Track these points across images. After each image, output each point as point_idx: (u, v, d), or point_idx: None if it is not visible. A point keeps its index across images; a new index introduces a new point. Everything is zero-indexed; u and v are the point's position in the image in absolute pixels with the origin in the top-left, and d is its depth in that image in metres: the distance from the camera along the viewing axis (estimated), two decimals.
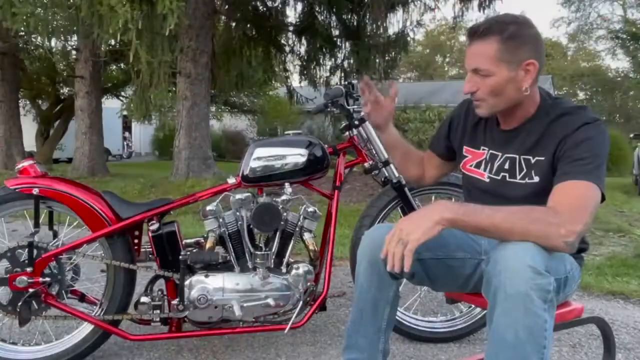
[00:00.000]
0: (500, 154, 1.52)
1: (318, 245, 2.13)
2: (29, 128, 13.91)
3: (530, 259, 1.17)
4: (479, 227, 1.25)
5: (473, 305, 2.24)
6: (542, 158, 1.42)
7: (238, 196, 2.02)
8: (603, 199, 1.34)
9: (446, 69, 40.37)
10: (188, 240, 2.11)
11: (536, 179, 1.43)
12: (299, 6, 9.43)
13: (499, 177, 1.52)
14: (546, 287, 1.17)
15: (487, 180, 1.54)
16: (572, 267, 1.41)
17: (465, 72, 1.47)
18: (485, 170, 1.56)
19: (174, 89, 8.67)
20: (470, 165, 1.61)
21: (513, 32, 1.37)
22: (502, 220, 1.23)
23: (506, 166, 1.50)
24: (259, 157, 2.03)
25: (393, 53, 8.94)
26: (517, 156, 1.48)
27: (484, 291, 1.26)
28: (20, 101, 12.65)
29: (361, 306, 1.53)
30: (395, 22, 8.82)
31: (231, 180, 2.10)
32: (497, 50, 1.37)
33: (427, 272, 1.54)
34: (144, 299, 1.99)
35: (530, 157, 1.45)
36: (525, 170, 1.46)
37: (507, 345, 1.19)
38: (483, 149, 1.58)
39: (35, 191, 1.93)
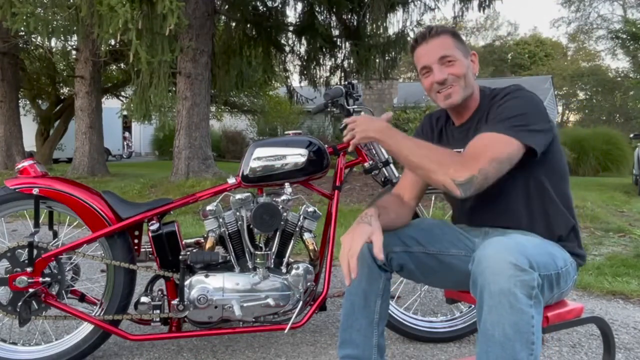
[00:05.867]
0: (462, 149, 1.59)
1: (318, 245, 2.13)
2: (29, 128, 13.91)
3: (511, 256, 1.19)
4: (391, 152, 1.47)
5: (473, 306, 2.24)
6: None
7: (238, 196, 2.03)
8: (534, 153, 1.42)
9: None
10: (188, 240, 2.11)
11: None
12: (299, 6, 9.43)
13: None
14: (530, 283, 1.19)
15: None
16: (565, 263, 1.43)
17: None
18: None
19: (174, 89, 8.66)
20: None
21: (455, 32, 1.59)
22: (409, 153, 1.43)
23: None
24: (259, 157, 2.03)
25: (393, 53, 8.93)
26: None
27: (472, 291, 1.28)
28: (20, 101, 12.64)
29: (352, 299, 1.56)
30: (395, 22, 8.86)
31: (231, 180, 2.10)
32: (453, 41, 1.56)
33: (417, 265, 1.57)
34: (144, 299, 1.99)
35: None
36: None
37: (496, 342, 1.20)
38: None
39: (35, 191, 1.93)
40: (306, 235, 2.08)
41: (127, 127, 22.99)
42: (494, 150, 1.38)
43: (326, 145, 2.13)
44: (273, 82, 12.72)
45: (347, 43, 9.23)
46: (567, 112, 37.40)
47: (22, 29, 6.56)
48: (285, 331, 1.98)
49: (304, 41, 9.38)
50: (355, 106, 2.23)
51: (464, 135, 1.61)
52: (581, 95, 36.32)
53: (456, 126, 1.67)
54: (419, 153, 1.42)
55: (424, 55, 1.57)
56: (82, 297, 2.12)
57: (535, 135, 1.42)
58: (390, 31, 8.82)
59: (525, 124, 1.41)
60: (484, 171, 1.34)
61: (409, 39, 8.89)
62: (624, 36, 17.10)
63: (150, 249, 2.04)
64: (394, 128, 1.48)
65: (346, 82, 2.27)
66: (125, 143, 22.89)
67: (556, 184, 1.55)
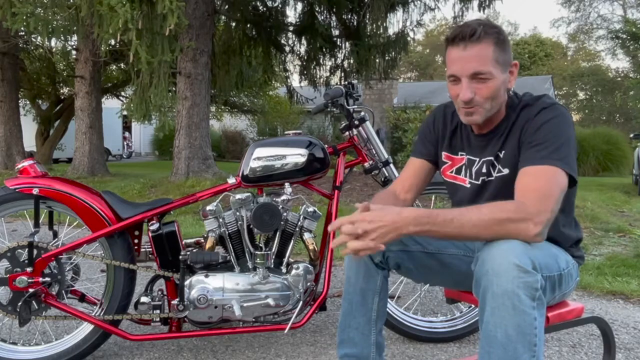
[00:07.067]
0: (477, 159, 1.54)
1: (318, 245, 2.13)
2: (29, 128, 13.91)
3: (515, 257, 1.18)
4: (448, 237, 1.27)
5: (473, 305, 2.24)
6: (509, 150, 1.45)
7: (238, 196, 2.03)
8: (574, 180, 1.35)
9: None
10: (188, 240, 2.11)
11: (505, 171, 1.46)
12: (299, 6, 9.45)
13: (479, 182, 1.53)
14: (533, 284, 1.18)
15: (469, 185, 1.56)
16: (568, 265, 1.42)
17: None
18: (466, 176, 1.57)
19: (174, 89, 8.66)
20: (451, 172, 1.62)
21: (501, 35, 1.38)
22: (471, 227, 1.24)
23: (483, 169, 1.52)
24: (259, 157, 2.03)
25: (393, 53, 8.93)
26: (492, 158, 1.50)
27: (474, 291, 1.27)
28: (20, 101, 12.64)
29: (350, 297, 1.55)
30: (395, 22, 8.86)
31: (231, 180, 2.10)
32: (493, 53, 1.36)
33: (415, 264, 1.57)
34: (144, 299, 1.99)
35: (500, 154, 1.48)
36: (498, 166, 1.49)
37: (498, 344, 1.20)
38: (461, 155, 1.59)
39: (35, 191, 1.93)
40: (306, 235, 2.08)
41: (127, 127, 22.99)
42: (554, 187, 1.30)
43: (326, 145, 2.13)
44: (273, 82, 12.73)
45: (347, 43, 9.23)
46: None
47: (22, 29, 6.56)
48: (285, 331, 1.98)
49: (304, 41, 9.39)
50: (355, 106, 2.23)
51: (484, 144, 1.51)
52: (581, 95, 36.33)
53: (474, 133, 1.54)
54: (477, 223, 1.23)
55: (457, 63, 1.39)
56: (82, 297, 2.12)
57: (574, 161, 1.36)
58: (390, 31, 8.85)
59: (569, 153, 1.34)
60: (555, 211, 1.29)
61: (409, 39, 8.90)
62: (624, 36, 17.09)
63: (150, 249, 2.04)
64: (419, 208, 1.27)
65: (346, 82, 2.27)
66: (125, 143, 22.87)
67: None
